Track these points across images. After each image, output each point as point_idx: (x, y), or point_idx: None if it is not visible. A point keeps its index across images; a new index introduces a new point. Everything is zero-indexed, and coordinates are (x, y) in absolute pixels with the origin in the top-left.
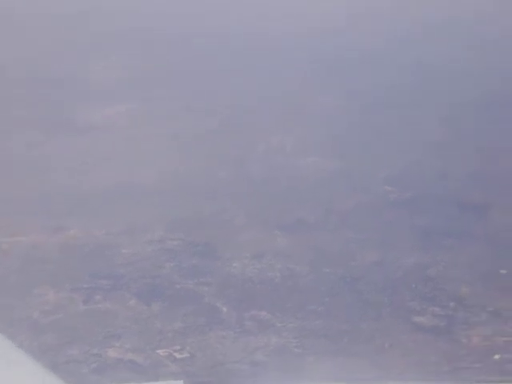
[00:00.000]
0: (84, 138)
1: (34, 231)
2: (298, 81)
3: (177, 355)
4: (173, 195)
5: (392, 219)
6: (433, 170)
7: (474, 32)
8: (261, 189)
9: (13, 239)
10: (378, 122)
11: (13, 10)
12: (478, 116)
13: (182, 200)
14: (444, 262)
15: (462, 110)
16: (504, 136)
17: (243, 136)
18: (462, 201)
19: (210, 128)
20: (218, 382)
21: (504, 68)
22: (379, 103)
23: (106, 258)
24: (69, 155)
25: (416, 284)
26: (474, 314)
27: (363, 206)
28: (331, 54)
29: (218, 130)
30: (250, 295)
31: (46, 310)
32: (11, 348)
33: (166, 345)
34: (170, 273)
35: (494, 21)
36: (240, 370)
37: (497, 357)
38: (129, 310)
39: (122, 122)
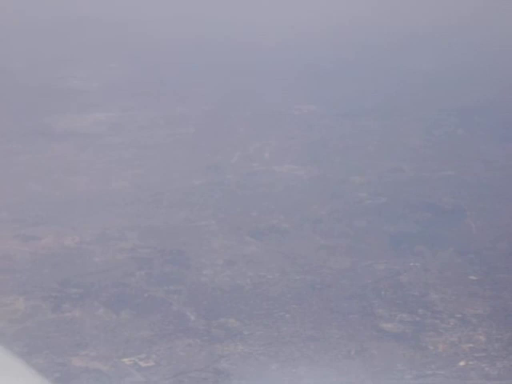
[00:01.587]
0: (61, 146)
1: (5, 240)
2: (278, 90)
3: (142, 364)
4: (147, 203)
5: (365, 225)
6: (408, 177)
7: (455, 41)
8: (236, 196)
9: None
10: (356, 130)
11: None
12: (456, 123)
13: (156, 208)
14: (415, 268)
15: (442, 116)
16: (479, 142)
17: (220, 144)
18: (436, 206)
19: (188, 136)
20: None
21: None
22: (359, 111)
23: (76, 266)
24: (44, 163)
25: (386, 290)
26: (442, 320)
27: (337, 212)
28: (313, 64)
29: (195, 138)
30: (219, 303)
31: (14, 318)
32: (4, 354)
33: (132, 353)
34: (141, 281)
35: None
36: (203, 379)
37: (462, 363)
38: (97, 318)
39: (100, 129)
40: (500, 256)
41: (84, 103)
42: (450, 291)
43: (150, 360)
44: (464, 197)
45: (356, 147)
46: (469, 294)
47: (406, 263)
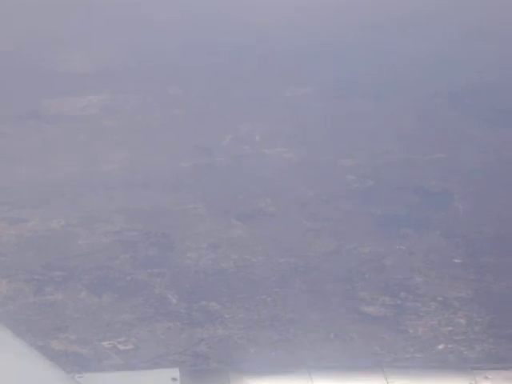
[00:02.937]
0: (52, 128)
1: None
2: (274, 72)
3: (121, 347)
4: (136, 185)
5: (352, 208)
6: (397, 159)
7: (453, 23)
8: (225, 179)
9: None
10: (348, 112)
11: None
12: (448, 106)
13: (144, 190)
14: (400, 251)
15: (435, 99)
16: (471, 125)
17: (212, 126)
18: (424, 190)
19: (180, 118)
20: (216, 370)
21: None
22: (352, 93)
23: (61, 249)
24: (35, 146)
25: (369, 274)
26: (423, 303)
27: (324, 195)
28: (312, 44)
29: (187, 121)
30: (201, 286)
31: None
32: (15, 340)
33: (112, 336)
34: (124, 264)
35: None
36: (181, 362)
37: (440, 347)
38: (79, 301)
39: (92, 112)
40: (486, 240)
41: (78, 86)
42: (434, 274)
43: (129, 343)
44: (453, 180)
45: (347, 130)
46: (452, 277)
47: (392, 246)
